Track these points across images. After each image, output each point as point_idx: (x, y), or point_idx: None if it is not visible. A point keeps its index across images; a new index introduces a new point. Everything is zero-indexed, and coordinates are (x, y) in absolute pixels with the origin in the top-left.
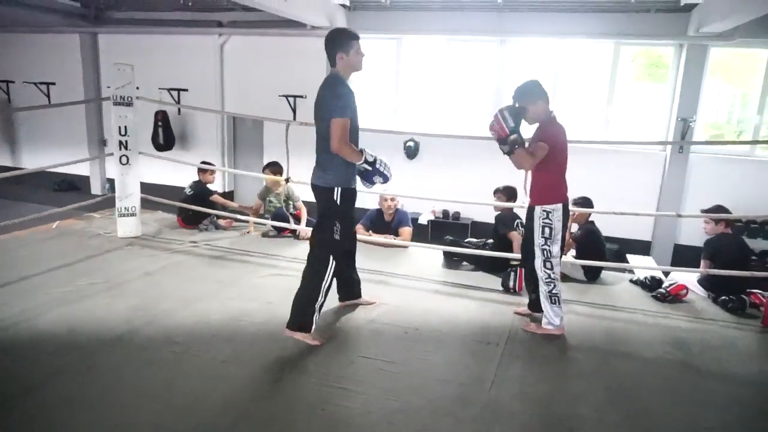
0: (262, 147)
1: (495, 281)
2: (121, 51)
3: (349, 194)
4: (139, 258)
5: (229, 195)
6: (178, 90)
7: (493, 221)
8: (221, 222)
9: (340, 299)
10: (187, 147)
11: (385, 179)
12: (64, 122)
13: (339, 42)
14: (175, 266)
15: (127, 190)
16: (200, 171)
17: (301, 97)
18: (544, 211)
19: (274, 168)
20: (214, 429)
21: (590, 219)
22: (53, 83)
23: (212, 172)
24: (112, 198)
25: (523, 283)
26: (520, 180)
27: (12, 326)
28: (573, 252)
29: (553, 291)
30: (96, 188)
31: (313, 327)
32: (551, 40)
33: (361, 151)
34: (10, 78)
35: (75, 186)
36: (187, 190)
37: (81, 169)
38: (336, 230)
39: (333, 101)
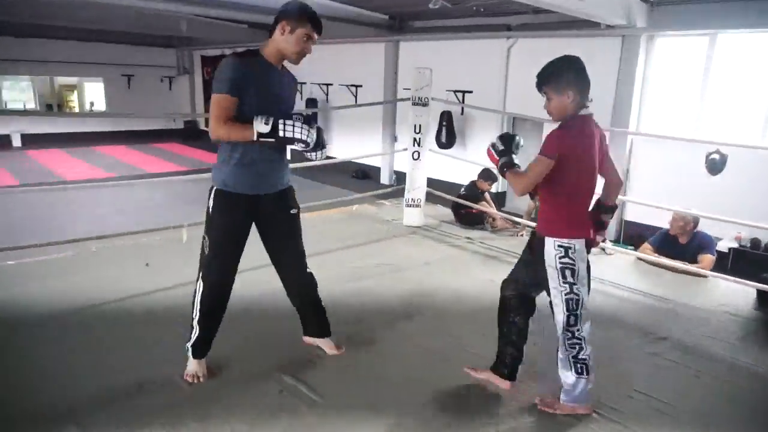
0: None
1: None
2: (416, 56)
3: (230, 201)
4: (420, 247)
5: (501, 196)
6: (463, 92)
7: None
8: (497, 223)
9: (303, 333)
10: (466, 146)
11: (306, 145)
12: (365, 119)
13: (293, 14)
14: (451, 259)
15: (415, 183)
16: (479, 176)
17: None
18: (560, 247)
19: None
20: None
21: None
22: (360, 85)
23: (490, 183)
24: (399, 189)
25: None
26: None
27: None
28: None
29: (581, 356)
30: (384, 178)
31: (189, 349)
32: None
33: (249, 124)
34: (329, 81)
35: (368, 175)
36: (462, 190)
37: (374, 161)
38: (205, 245)
39: (215, 75)
